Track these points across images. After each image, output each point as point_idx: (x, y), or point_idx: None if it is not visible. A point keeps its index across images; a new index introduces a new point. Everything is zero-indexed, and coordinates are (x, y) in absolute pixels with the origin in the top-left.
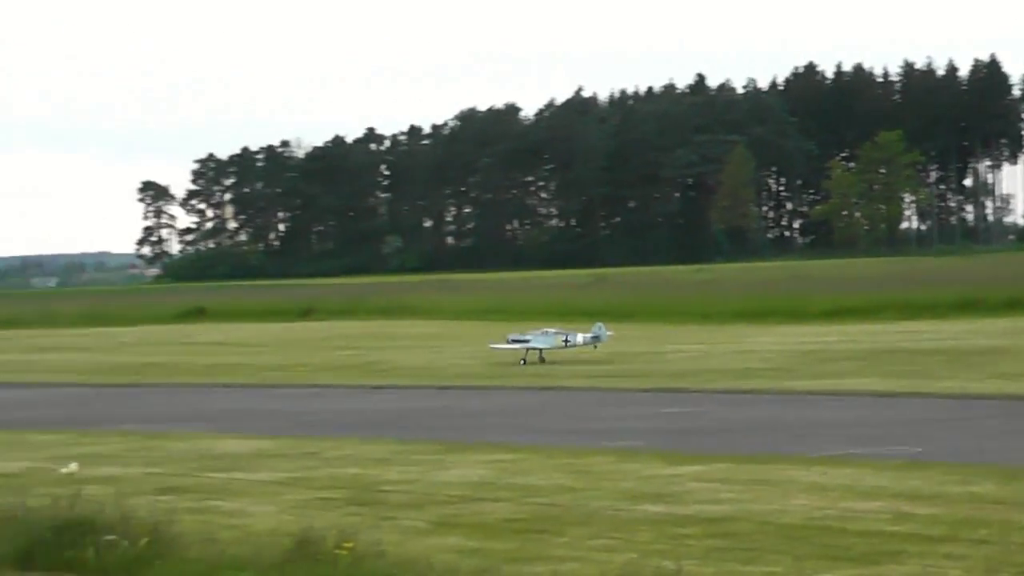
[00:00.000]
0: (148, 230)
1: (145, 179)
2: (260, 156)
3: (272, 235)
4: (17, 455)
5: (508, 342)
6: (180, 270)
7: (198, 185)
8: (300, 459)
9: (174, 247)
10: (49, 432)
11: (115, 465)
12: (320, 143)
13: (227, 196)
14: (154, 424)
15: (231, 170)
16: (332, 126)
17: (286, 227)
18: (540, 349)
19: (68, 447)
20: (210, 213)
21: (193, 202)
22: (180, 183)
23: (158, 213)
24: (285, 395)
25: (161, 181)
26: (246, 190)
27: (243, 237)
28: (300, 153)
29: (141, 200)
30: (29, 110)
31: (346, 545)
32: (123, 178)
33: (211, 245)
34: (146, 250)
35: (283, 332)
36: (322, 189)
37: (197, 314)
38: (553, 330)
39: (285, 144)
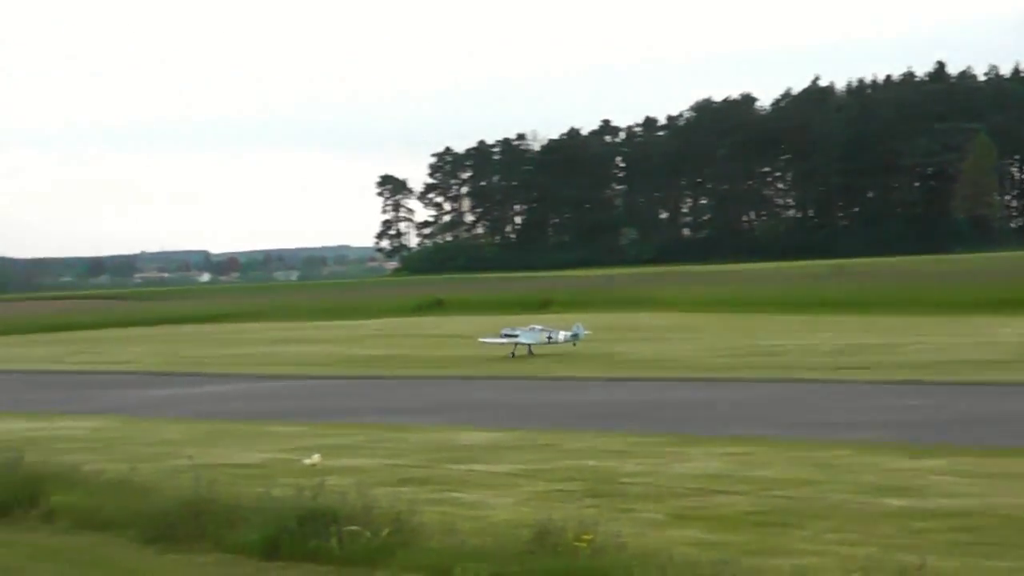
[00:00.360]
0: (387, 224)
1: (384, 173)
2: (496, 149)
3: (508, 228)
4: (262, 446)
5: (501, 336)
6: (418, 263)
7: (435, 179)
8: (538, 451)
9: (412, 240)
10: (292, 423)
11: (356, 456)
12: (556, 135)
13: (464, 189)
14: (394, 416)
15: (468, 163)
16: (568, 118)
17: (522, 219)
18: (529, 344)
19: (310, 438)
20: (447, 206)
21: (431, 195)
22: (418, 177)
23: (396, 207)
24: (522, 387)
25: (399, 175)
26: (483, 183)
27: (480, 230)
28: (536, 146)
29: (380, 194)
30: (274, 109)
31: (585, 537)
32: (362, 173)
33: (448, 238)
34: (384, 243)
35: (520, 324)
36: (558, 181)
37: (435, 306)
38: (539, 327)
39: (521, 137)
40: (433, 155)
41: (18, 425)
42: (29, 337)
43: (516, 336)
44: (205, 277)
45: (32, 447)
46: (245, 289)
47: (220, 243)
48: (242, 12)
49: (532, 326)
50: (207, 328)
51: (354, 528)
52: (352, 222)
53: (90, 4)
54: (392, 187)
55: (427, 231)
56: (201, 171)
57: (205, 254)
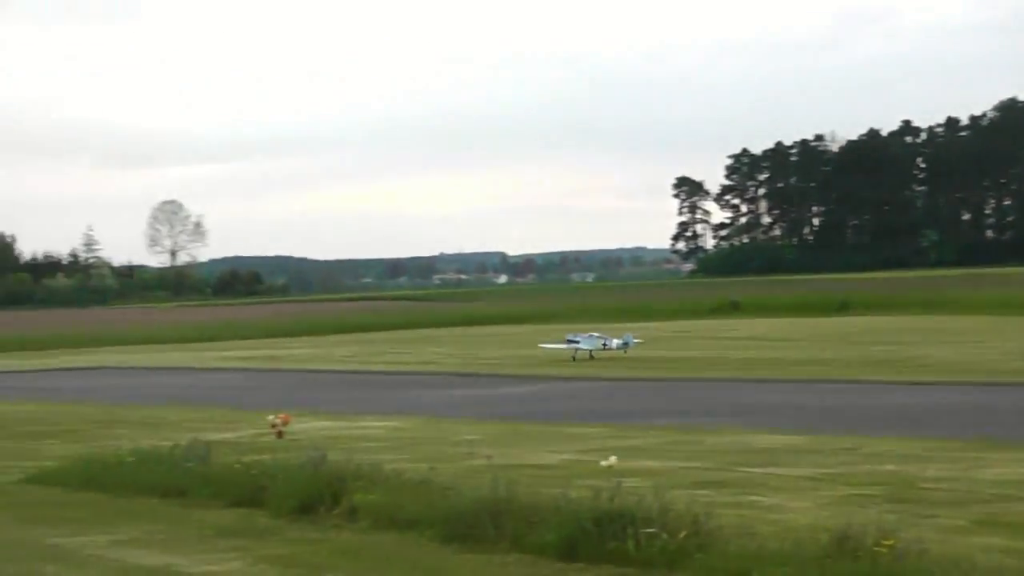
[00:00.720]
0: (683, 225)
1: (680, 175)
2: (794, 151)
3: (806, 229)
4: (559, 447)
5: (566, 341)
6: (714, 265)
7: (732, 180)
8: (836, 455)
9: (708, 242)
10: (589, 425)
11: (653, 458)
12: (855, 136)
13: (761, 191)
14: (689, 418)
15: (765, 165)
16: (867, 119)
17: (820, 221)
18: (589, 350)
19: (607, 440)
20: (744, 208)
21: (727, 197)
22: (715, 179)
23: (693, 209)
24: (820, 390)
25: (696, 177)
26: (780, 185)
27: (777, 232)
28: (834, 147)
29: (676, 196)
30: (571, 111)
31: (885, 542)
32: (659, 175)
33: (745, 240)
34: (680, 245)
35: (818, 326)
36: (857, 183)
37: (731, 308)
38: (597, 334)
39: (819, 138)
40: (730, 157)
41: (322, 424)
42: (332, 337)
43: (578, 342)
44: (502, 278)
45: (335, 446)
46: (542, 290)
47: (517, 245)
48: (533, 12)
49: (591, 333)
50: (505, 329)
51: (651, 530)
52: (648, 224)
53: (343, 12)
54: (688, 189)
55: (723, 233)
56: (497, 174)
57: (502, 255)
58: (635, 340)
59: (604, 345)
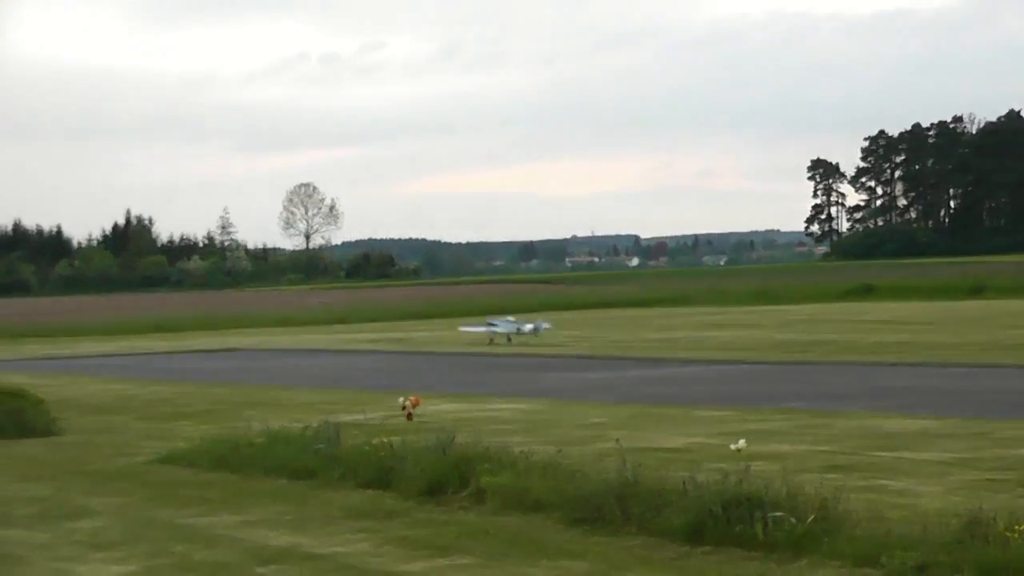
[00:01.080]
0: (817, 208)
1: (815, 157)
2: (931, 132)
3: (942, 212)
4: (688, 430)
5: (487, 324)
6: (848, 248)
7: (868, 162)
8: (968, 439)
9: (842, 225)
10: (718, 408)
11: (782, 442)
12: (994, 118)
13: (897, 173)
14: (820, 402)
15: (901, 147)
16: (1007, 100)
17: (957, 204)
18: (507, 334)
19: (736, 423)
20: (879, 191)
21: (863, 179)
22: (850, 161)
23: (827, 191)
24: (953, 374)
25: (831, 159)
26: (916, 167)
27: (912, 214)
28: (973, 128)
29: (811, 178)
30: (701, 92)
31: (1017, 527)
32: (793, 157)
33: (879, 223)
34: (814, 228)
35: (952, 310)
36: (995, 165)
37: (865, 292)
38: (512, 319)
39: (958, 120)
40: (866, 138)
41: (452, 406)
42: (463, 320)
43: (495, 326)
44: (634, 261)
45: (464, 428)
46: (674, 273)
47: (649, 227)
48: None
49: (507, 318)
50: (636, 312)
51: (779, 515)
52: (782, 206)
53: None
54: (823, 171)
55: (858, 216)
56: (631, 156)
57: (635, 238)
58: (545, 326)
59: (518, 330)
